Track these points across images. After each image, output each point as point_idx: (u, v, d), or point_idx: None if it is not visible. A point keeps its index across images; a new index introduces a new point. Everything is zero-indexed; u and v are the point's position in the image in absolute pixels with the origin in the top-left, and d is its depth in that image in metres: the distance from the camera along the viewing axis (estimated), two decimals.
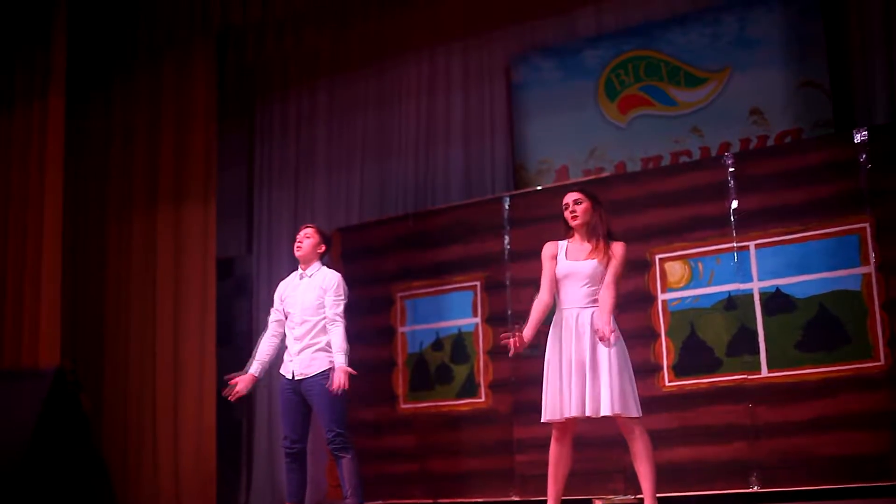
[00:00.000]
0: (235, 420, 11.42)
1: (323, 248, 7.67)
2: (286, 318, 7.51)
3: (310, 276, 7.53)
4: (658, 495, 6.41)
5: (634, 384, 6.38)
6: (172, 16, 10.70)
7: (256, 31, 10.93)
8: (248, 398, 11.37)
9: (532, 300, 8.98)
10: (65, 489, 8.82)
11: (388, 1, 10.57)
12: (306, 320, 7.38)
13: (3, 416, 8.75)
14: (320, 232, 7.71)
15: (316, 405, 7.26)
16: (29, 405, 8.71)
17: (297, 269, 7.65)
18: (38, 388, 8.80)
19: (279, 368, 7.48)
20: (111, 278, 10.90)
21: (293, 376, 7.32)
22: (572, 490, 8.55)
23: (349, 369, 7.16)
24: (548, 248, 6.73)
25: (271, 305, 11.08)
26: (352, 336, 9.43)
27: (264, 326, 7.77)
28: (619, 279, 6.55)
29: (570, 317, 6.47)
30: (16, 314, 10.07)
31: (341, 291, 7.44)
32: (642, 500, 6.51)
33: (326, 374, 7.20)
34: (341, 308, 7.39)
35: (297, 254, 7.62)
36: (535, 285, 8.98)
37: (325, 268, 7.59)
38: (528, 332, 6.48)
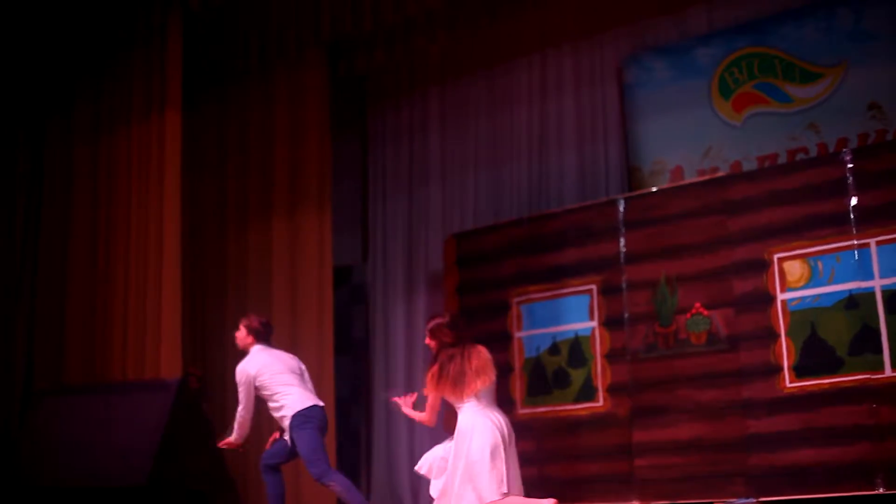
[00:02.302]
0: (353, 426, 11.51)
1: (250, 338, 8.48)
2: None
3: None
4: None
5: None
6: (284, 27, 10.80)
7: (367, 40, 11.00)
8: (367, 404, 11.49)
9: (648, 303, 9.01)
10: (192, 497, 8.98)
11: (497, 5, 10.56)
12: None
13: (132, 427, 8.92)
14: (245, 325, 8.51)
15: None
16: (156, 416, 8.87)
17: None
18: (164, 399, 8.96)
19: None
20: (230, 288, 11.02)
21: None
22: (692, 494, 8.51)
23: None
24: None
25: (387, 313, 11.21)
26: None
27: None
28: None
29: None
30: (139, 326, 10.23)
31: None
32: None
33: None
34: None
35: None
36: (652, 287, 8.99)
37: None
38: None
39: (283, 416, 8.07)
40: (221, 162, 11.31)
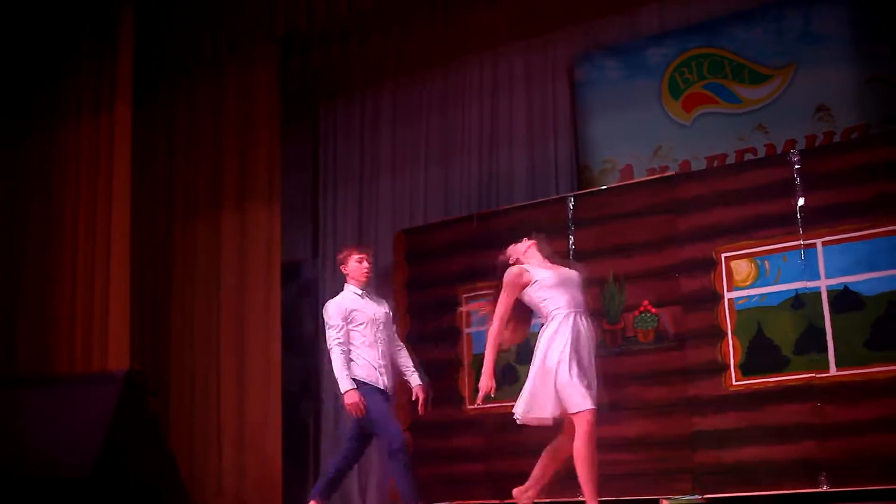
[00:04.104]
0: (301, 421, 11.50)
1: None
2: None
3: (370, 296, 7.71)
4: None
5: None
6: (236, 21, 10.76)
7: (320, 35, 10.98)
8: (315, 399, 11.48)
9: (596, 300, 9.04)
10: (138, 490, 8.92)
11: (450, 3, 10.58)
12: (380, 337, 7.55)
13: (77, 420, 8.85)
14: None
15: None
16: (101, 408, 8.81)
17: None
18: (110, 392, 8.89)
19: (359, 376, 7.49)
20: (177, 282, 10.98)
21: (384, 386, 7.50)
22: (639, 490, 8.56)
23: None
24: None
25: None
26: (418, 338, 9.50)
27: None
28: None
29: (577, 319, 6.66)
30: (86, 319, 10.17)
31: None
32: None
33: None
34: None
35: (365, 277, 7.67)
36: (601, 284, 9.02)
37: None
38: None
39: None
40: (171, 155, 11.26)
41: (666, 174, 9.55)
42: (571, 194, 9.71)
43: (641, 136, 10.13)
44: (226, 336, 10.66)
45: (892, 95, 8.93)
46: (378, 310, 7.58)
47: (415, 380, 7.62)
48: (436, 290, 10.07)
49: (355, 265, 7.60)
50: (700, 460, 8.16)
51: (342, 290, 7.66)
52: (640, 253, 8.96)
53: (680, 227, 8.81)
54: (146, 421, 9.23)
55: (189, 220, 11.04)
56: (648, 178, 9.62)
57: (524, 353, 9.40)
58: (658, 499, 8.44)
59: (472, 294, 9.78)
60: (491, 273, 9.66)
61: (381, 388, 7.41)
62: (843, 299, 8.05)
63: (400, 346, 7.76)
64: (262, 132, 10.82)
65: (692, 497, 8.26)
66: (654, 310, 8.82)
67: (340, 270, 7.73)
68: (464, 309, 7.69)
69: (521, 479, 7.43)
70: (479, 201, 10.93)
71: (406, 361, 7.70)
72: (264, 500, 10.11)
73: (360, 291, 7.58)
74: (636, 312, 8.90)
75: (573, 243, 9.34)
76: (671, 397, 8.61)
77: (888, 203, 7.95)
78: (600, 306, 9.07)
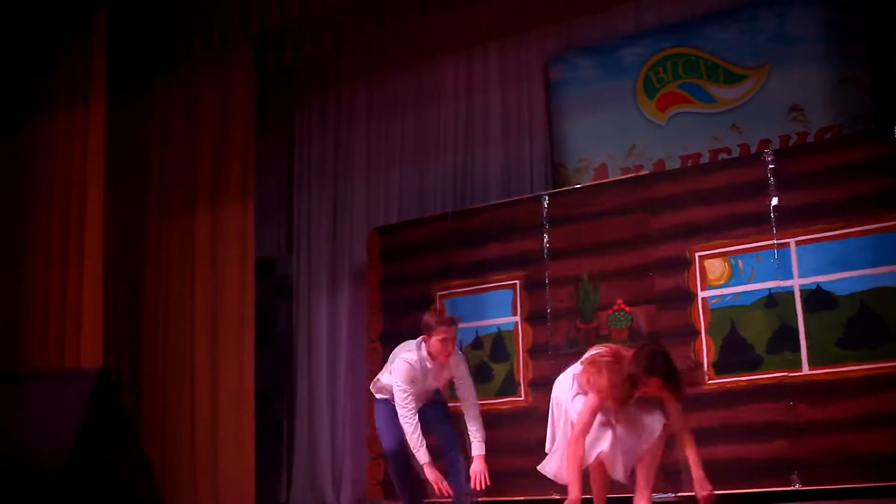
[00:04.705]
0: (275, 419, 11.48)
1: None
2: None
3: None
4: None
5: None
6: (210, 19, 10.71)
7: (295, 32, 10.95)
8: (289, 397, 11.46)
9: (571, 299, 9.08)
10: (111, 490, 8.89)
11: (426, 1, 10.57)
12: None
13: (48, 418, 8.81)
14: None
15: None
16: (73, 406, 8.77)
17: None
18: (83, 389, 8.85)
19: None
20: (150, 279, 10.93)
21: None
22: (612, 488, 8.55)
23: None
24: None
25: (311, 305, 11.12)
26: (392, 336, 9.49)
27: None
28: None
29: None
30: (59, 315, 10.13)
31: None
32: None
33: None
34: None
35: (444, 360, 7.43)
36: (575, 283, 9.04)
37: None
38: None
39: None
40: (145, 152, 11.20)
41: (640, 173, 9.57)
42: (546, 193, 9.73)
43: (616, 135, 10.14)
44: (199, 333, 10.62)
45: (866, 96, 8.97)
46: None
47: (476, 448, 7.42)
48: (410, 288, 10.07)
49: (438, 346, 7.30)
50: (672, 458, 8.17)
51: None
52: (615, 252, 8.98)
53: (654, 226, 8.83)
54: (119, 418, 9.20)
55: (163, 217, 10.99)
56: (623, 177, 9.63)
57: (498, 349, 9.45)
58: (631, 497, 8.46)
59: (447, 292, 9.80)
60: (466, 270, 9.75)
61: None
62: (816, 299, 8.09)
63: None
64: (237, 129, 10.78)
65: (665, 495, 8.29)
66: (627, 308, 8.84)
67: (421, 332, 7.41)
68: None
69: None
70: (454, 199, 10.91)
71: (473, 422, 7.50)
72: (237, 499, 10.08)
73: (430, 366, 7.42)
74: (610, 311, 8.93)
75: (547, 242, 9.36)
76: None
77: (861, 203, 7.99)
78: (574, 305, 9.10)
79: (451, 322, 7.37)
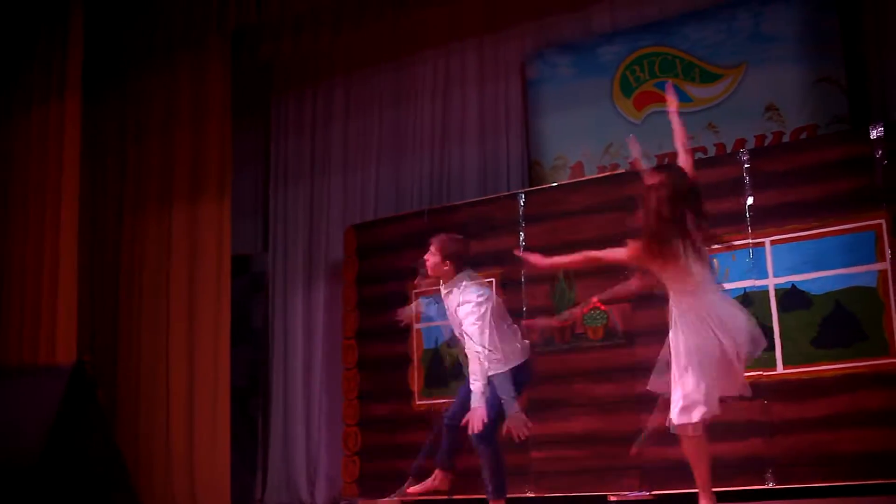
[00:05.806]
0: (250, 416, 11.46)
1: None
2: None
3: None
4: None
5: None
6: (187, 15, 10.70)
7: (272, 29, 10.93)
8: (265, 394, 11.44)
9: (546, 297, 9.08)
10: (85, 485, 8.86)
11: None
12: None
13: (22, 412, 8.78)
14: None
15: None
16: (47, 401, 8.74)
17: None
18: (57, 384, 8.82)
19: None
20: (126, 275, 10.91)
21: None
22: (587, 486, 8.58)
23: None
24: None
25: (287, 302, 11.10)
26: (367, 333, 9.47)
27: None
28: None
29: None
30: (33, 311, 10.10)
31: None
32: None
33: None
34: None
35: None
36: (551, 281, 9.05)
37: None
38: None
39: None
40: (121, 148, 11.18)
41: (616, 171, 9.59)
42: (522, 191, 9.75)
43: (593, 133, 10.15)
44: (175, 330, 10.60)
45: (841, 96, 9.00)
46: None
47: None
48: (386, 285, 10.06)
49: None
50: (648, 457, 8.18)
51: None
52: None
53: (630, 224, 8.83)
54: (94, 414, 9.16)
55: (139, 213, 10.97)
56: (599, 175, 9.65)
57: None
58: (606, 495, 8.48)
59: (422, 290, 9.78)
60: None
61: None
62: (791, 298, 8.12)
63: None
64: (213, 126, 10.76)
65: (640, 493, 8.30)
66: (603, 307, 8.85)
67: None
68: None
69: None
70: (431, 197, 10.92)
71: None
72: (212, 496, 10.08)
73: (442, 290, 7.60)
74: (586, 309, 8.93)
75: (524, 239, 9.37)
76: (619, 394, 8.64)
77: (836, 203, 8.03)
78: (550, 303, 9.11)
79: (436, 237, 7.62)
